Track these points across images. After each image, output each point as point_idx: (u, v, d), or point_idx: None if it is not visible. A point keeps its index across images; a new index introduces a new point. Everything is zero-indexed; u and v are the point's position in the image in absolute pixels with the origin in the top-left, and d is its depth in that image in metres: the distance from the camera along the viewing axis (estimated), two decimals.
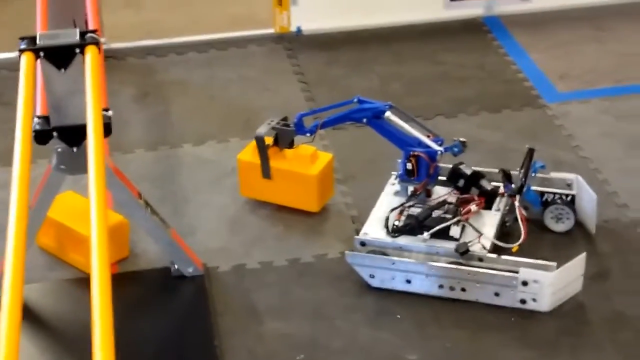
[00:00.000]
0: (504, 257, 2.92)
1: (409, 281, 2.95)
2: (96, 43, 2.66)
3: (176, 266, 3.04)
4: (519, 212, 3.00)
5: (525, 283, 2.83)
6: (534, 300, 2.85)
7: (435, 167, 3.10)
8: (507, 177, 3.14)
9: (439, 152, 3.07)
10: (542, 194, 3.16)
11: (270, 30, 4.47)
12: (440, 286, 2.92)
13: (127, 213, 2.99)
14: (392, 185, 3.21)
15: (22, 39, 2.68)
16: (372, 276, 2.98)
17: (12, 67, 4.22)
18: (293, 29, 4.46)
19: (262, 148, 3.27)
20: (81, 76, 2.68)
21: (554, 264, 2.88)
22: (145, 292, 3.03)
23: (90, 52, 2.63)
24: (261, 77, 4.17)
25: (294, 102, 3.93)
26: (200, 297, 2.98)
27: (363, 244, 3.04)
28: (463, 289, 2.91)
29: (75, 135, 2.73)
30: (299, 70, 4.18)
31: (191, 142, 3.75)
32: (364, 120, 3.16)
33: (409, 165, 3.09)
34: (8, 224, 2.01)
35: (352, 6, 4.45)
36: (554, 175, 3.20)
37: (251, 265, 3.13)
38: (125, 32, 4.47)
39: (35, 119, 2.71)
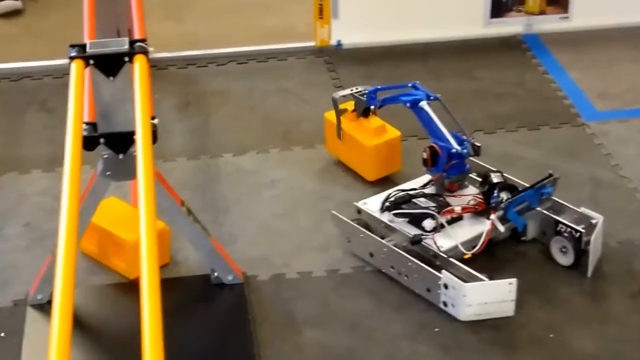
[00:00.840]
0: (453, 260, 3.01)
1: (371, 254, 3.13)
2: (145, 52, 2.71)
3: (216, 274, 3.08)
4: (489, 225, 3.06)
5: (446, 286, 2.93)
6: (453, 305, 2.94)
7: (456, 165, 3.21)
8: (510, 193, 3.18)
9: (453, 150, 3.19)
10: (555, 222, 3.15)
11: (311, 43, 4.50)
12: (392, 267, 3.08)
13: (169, 220, 3.02)
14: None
15: (73, 46, 2.72)
16: (348, 241, 3.20)
17: (56, 74, 4.32)
18: (333, 42, 4.49)
19: (336, 110, 3.56)
20: (129, 84, 2.72)
21: (484, 279, 2.91)
22: (185, 298, 3.06)
23: (139, 61, 2.67)
24: (300, 90, 4.21)
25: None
26: (239, 305, 3.01)
27: (359, 211, 3.23)
28: (406, 276, 3.04)
29: (122, 142, 2.77)
30: (338, 84, 4.20)
31: (231, 152, 3.78)
32: (407, 104, 3.32)
33: (424, 155, 3.25)
34: (59, 229, 2.03)
35: (392, 21, 4.48)
36: (584, 210, 3.18)
37: (290, 275, 3.15)
38: (167, 42, 4.52)
39: (83, 125, 2.75)
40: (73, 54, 2.68)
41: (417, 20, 4.49)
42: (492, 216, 3.08)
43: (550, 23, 4.57)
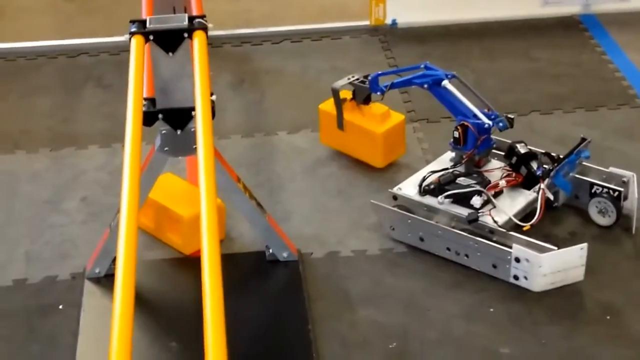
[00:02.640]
0: (512, 233, 3.00)
1: (422, 239, 3.10)
2: (204, 28, 2.72)
3: (271, 250, 3.09)
4: (541, 195, 3.08)
5: (517, 260, 2.93)
6: (526, 278, 2.94)
7: (485, 140, 3.21)
8: (551, 160, 3.21)
9: (486, 125, 3.18)
10: (591, 185, 3.20)
11: (365, 22, 4.49)
12: (448, 249, 3.06)
13: (226, 196, 3.04)
14: (450, 152, 3.32)
15: (133, 22, 2.74)
16: (392, 228, 3.16)
17: (112, 51, 4.35)
18: (388, 21, 4.47)
19: (337, 100, 3.49)
20: (188, 60, 2.74)
21: (554, 247, 2.93)
22: (240, 274, 3.08)
23: (198, 37, 2.68)
24: (355, 69, 4.15)
25: (388, 94, 3.94)
26: (294, 282, 3.02)
27: (395, 197, 3.21)
28: (466, 255, 3.03)
29: (180, 117, 2.79)
30: (393, 63, 4.19)
31: (286, 130, 3.79)
32: (425, 85, 3.30)
33: (456, 134, 3.23)
34: (120, 204, 2.05)
35: (447, 0, 4.45)
36: (613, 169, 3.22)
37: (345, 253, 3.15)
38: (222, 19, 4.52)
39: (143, 101, 2.76)
40: (133, 30, 2.69)
41: (473, 0, 4.45)
42: (543, 185, 3.10)
43: (608, 3, 4.51)
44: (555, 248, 2.93)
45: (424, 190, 3.18)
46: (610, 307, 2.90)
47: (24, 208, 3.38)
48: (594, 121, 3.78)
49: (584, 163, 3.27)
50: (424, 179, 3.20)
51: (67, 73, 4.21)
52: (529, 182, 3.16)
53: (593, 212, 3.20)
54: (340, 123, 3.51)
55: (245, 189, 2.99)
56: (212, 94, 2.73)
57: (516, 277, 2.95)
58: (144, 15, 3.18)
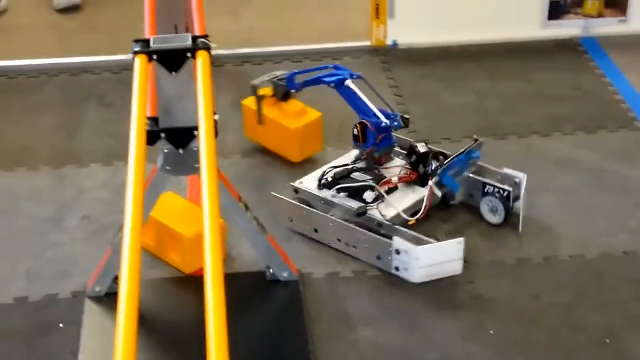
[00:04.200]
0: (398, 227, 3.15)
1: (316, 230, 3.25)
2: (208, 48, 2.73)
3: (272, 270, 3.09)
4: (429, 191, 3.25)
5: (398, 252, 3.07)
6: (406, 269, 3.07)
7: (385, 138, 3.37)
8: (443, 159, 3.38)
9: (384, 124, 3.35)
10: (483, 184, 3.37)
11: (367, 43, 4.51)
12: (339, 240, 3.20)
13: (227, 216, 3.04)
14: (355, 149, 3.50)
15: (136, 41, 2.75)
16: (290, 220, 3.34)
17: (114, 69, 4.37)
18: (389, 42, 4.50)
19: (256, 96, 3.68)
20: (191, 80, 2.75)
21: (433, 241, 3.09)
22: (240, 294, 3.08)
23: (202, 57, 2.69)
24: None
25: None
26: (295, 302, 3.02)
27: (296, 191, 3.38)
28: (355, 247, 3.17)
29: (183, 137, 2.80)
30: (394, 84, 4.21)
31: None
32: (332, 85, 3.46)
33: (355, 131, 3.40)
34: (124, 223, 2.05)
35: (448, 22, 4.48)
36: (507, 171, 3.38)
37: (345, 273, 3.16)
38: (224, 39, 4.53)
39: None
40: (137, 49, 2.70)
41: (474, 22, 4.48)
42: (431, 182, 3.27)
43: (608, 26, 4.54)
44: (434, 242, 3.09)
45: (321, 185, 3.34)
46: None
47: (25, 225, 3.39)
48: (593, 144, 3.79)
49: (480, 164, 3.44)
50: (323, 174, 3.38)
51: (69, 91, 4.23)
52: (423, 180, 3.33)
53: (485, 210, 3.37)
54: (260, 118, 3.69)
55: (246, 208, 3.00)
56: (215, 114, 2.74)
57: (397, 269, 3.11)
58: (147, 34, 3.19)
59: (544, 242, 3.28)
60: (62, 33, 4.74)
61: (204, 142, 2.38)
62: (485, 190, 3.36)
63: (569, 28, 4.52)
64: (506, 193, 3.31)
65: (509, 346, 2.85)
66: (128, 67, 4.28)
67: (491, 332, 2.90)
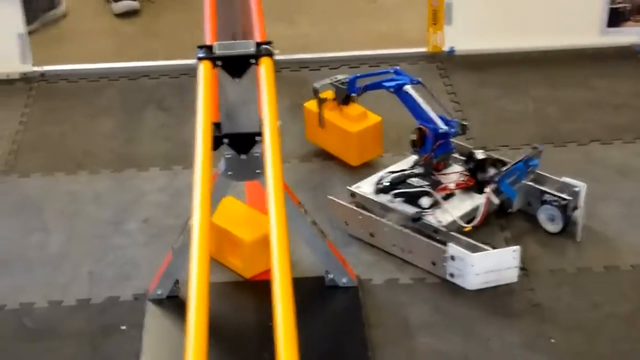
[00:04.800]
0: (453, 233, 3.14)
1: (372, 235, 3.25)
2: (271, 54, 2.75)
3: (331, 276, 3.10)
4: (485, 198, 3.23)
5: (453, 258, 3.06)
6: (461, 276, 3.07)
7: (443, 144, 3.37)
8: (501, 165, 3.38)
9: (441, 130, 3.35)
10: (541, 192, 3.35)
11: (423, 49, 4.50)
12: (394, 245, 3.21)
13: (287, 220, 3.04)
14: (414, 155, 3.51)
15: (200, 47, 2.77)
16: (346, 223, 3.36)
17: (172, 74, 4.41)
18: (446, 48, 4.49)
19: (318, 99, 3.71)
20: (254, 86, 2.77)
21: (489, 248, 3.07)
22: (299, 299, 3.05)
23: (265, 63, 2.71)
24: None
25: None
26: (353, 307, 3.03)
27: (353, 195, 3.40)
28: (410, 252, 3.17)
29: (245, 142, 2.82)
30: (451, 90, 4.20)
31: None
32: (391, 89, 3.46)
33: (413, 137, 3.40)
34: (192, 229, 2.06)
35: (506, 28, 4.45)
36: (565, 179, 3.36)
37: (404, 280, 3.16)
38: (280, 44, 4.55)
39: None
40: (201, 55, 2.72)
41: (532, 28, 4.46)
42: (487, 189, 3.25)
43: None
44: (490, 249, 3.07)
45: (378, 189, 3.35)
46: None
47: (87, 228, 3.43)
48: None
49: (539, 172, 3.42)
50: (380, 179, 3.39)
51: (128, 95, 4.27)
52: (480, 187, 3.32)
53: (542, 218, 3.35)
54: (321, 121, 3.71)
55: (306, 213, 3.01)
56: (278, 119, 2.76)
57: (452, 275, 3.10)
58: (207, 40, 3.22)
59: (604, 251, 3.25)
60: (120, 37, 4.80)
61: (269, 147, 2.40)
62: (544, 198, 3.34)
63: (629, 35, 4.48)
64: (565, 202, 3.28)
65: (570, 356, 2.83)
66: (185, 72, 4.38)
67: (552, 340, 2.88)
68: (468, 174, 3.37)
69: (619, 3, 4.43)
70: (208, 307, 1.86)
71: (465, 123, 3.44)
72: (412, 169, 3.42)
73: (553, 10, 4.43)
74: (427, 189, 3.29)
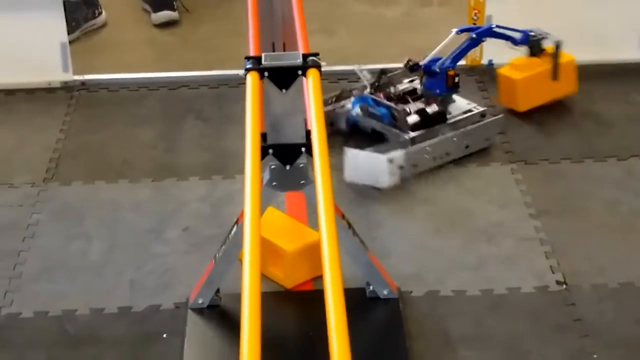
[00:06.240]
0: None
1: None
2: (318, 66, 2.77)
3: (372, 287, 3.10)
4: None
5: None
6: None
7: None
8: None
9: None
10: None
11: (462, 62, 4.49)
12: None
13: None
14: None
15: (247, 58, 2.79)
16: None
17: (211, 84, 4.44)
18: (484, 61, 4.49)
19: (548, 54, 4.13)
20: (300, 97, 2.79)
21: None
22: None
23: (312, 75, 2.73)
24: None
25: None
26: (394, 319, 3.03)
27: None
28: None
29: (290, 153, 2.83)
30: (489, 104, 4.20)
31: None
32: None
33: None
34: (243, 240, 2.07)
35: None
36: None
37: (444, 292, 3.16)
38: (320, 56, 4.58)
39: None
40: (249, 66, 2.74)
41: (571, 42, 4.43)
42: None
43: None
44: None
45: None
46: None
47: (127, 237, 3.45)
48: None
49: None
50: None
51: (168, 105, 4.30)
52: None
53: None
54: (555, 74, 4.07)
55: (349, 225, 3.02)
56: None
57: None
58: (251, 51, 3.24)
59: None
60: (160, 47, 4.83)
61: (318, 159, 2.41)
62: None
63: None
64: None
65: None
66: (224, 82, 4.40)
67: (595, 356, 2.87)
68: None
69: None
70: (260, 318, 1.88)
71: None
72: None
73: (592, 23, 4.43)
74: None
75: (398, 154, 3.64)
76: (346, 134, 3.91)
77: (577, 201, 3.56)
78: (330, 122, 3.93)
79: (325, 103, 4.01)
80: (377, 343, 2.97)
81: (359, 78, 4.04)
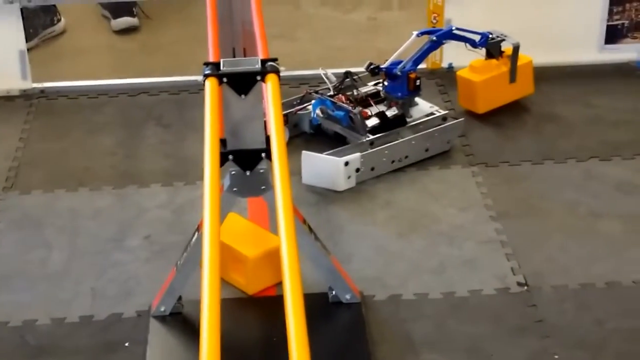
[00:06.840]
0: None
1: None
2: (277, 71, 2.76)
3: (334, 292, 3.10)
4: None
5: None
6: None
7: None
8: None
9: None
10: None
11: (422, 66, 4.51)
12: None
13: None
14: None
15: (206, 64, 2.78)
16: None
17: (171, 90, 4.42)
18: (444, 65, 4.51)
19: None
20: (260, 103, 2.78)
21: None
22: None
23: (271, 80, 2.72)
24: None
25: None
26: (357, 324, 3.03)
27: None
28: None
29: (250, 159, 2.82)
30: (450, 106, 4.21)
31: None
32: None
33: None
34: (202, 246, 2.06)
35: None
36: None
37: (407, 296, 3.16)
38: (279, 61, 4.57)
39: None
40: (207, 72, 2.73)
41: (529, 45, 4.46)
42: None
43: None
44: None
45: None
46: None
47: (88, 245, 3.43)
48: None
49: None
50: None
51: (127, 112, 4.28)
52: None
53: None
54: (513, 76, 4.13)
55: (310, 230, 3.02)
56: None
57: None
58: (211, 57, 3.23)
59: (606, 267, 3.26)
60: (120, 54, 4.81)
61: (277, 164, 2.40)
62: None
63: (626, 52, 4.51)
64: None
65: None
66: (185, 88, 4.39)
67: (556, 357, 2.89)
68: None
69: (616, 20, 4.46)
70: (219, 325, 1.87)
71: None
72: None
73: (549, 26, 4.47)
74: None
75: (354, 157, 3.65)
76: (310, 136, 3.92)
77: (537, 203, 3.58)
78: (294, 124, 3.95)
79: (291, 105, 4.01)
80: (340, 348, 2.97)
81: (322, 82, 4.04)
